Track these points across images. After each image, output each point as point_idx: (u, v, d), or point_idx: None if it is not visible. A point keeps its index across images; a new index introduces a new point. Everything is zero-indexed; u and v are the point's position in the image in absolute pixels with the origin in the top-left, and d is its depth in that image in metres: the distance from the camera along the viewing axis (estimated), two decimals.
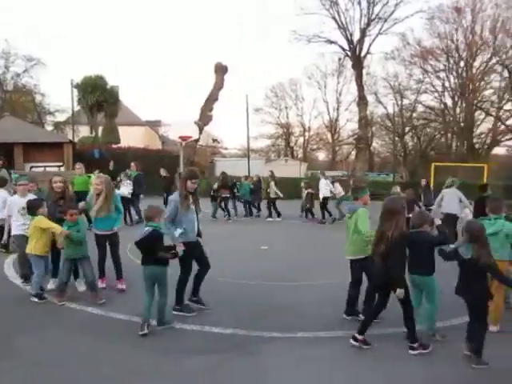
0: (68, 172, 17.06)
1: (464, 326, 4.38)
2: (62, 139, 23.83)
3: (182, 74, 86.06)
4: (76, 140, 26.82)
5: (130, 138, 29.56)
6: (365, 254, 4.98)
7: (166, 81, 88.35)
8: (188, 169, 5.97)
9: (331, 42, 36.15)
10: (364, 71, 36.52)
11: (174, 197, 5.20)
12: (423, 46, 36.75)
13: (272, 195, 15.19)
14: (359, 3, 33.02)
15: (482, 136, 38.14)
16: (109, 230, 6.14)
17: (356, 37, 34.80)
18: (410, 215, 5.06)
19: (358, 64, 34.93)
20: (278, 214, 15.11)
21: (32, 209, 5.80)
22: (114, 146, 27.69)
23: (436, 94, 38.63)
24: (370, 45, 35.17)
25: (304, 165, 37.01)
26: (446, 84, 37.43)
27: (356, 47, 34.96)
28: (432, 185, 16.07)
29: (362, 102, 34.74)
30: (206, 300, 5.51)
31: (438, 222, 4.70)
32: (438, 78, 37.67)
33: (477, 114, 36.87)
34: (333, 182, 14.93)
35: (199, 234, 5.41)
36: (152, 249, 4.71)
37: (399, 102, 39.80)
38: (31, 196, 6.37)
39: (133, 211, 12.67)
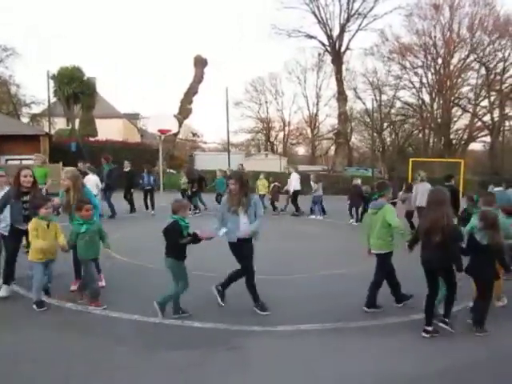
0: (46, 165, 16.64)
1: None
2: (38, 131, 23.31)
3: (161, 67, 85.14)
4: (52, 132, 26.27)
5: (107, 130, 29.10)
6: (389, 249, 5.32)
7: (144, 73, 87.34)
8: (234, 171, 5.87)
9: (311, 37, 36.38)
10: (343, 67, 36.90)
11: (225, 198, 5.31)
12: (401, 42, 37.24)
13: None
14: None
15: (459, 132, 39.03)
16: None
17: (336, 32, 35.11)
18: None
19: (337, 59, 35.19)
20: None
21: (33, 207, 5.29)
22: (92, 138, 27.22)
23: (414, 90, 39.33)
24: (350, 40, 35.55)
25: (284, 159, 37.07)
26: (424, 80, 38.11)
27: (335, 42, 35.19)
28: (410, 180, 16.30)
29: (341, 97, 35.04)
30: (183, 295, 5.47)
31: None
32: (416, 74, 38.29)
33: (454, 110, 37.67)
34: (317, 182, 14.90)
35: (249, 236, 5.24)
36: (170, 240, 4.84)
37: (378, 98, 40.27)
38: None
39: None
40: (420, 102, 39.01)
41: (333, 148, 43.40)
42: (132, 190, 13.87)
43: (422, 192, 9.78)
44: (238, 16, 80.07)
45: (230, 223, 5.16)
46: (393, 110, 41.69)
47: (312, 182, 14.73)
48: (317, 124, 50.39)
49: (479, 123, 37.25)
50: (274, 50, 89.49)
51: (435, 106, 37.70)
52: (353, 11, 34.48)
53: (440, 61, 36.46)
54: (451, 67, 36.23)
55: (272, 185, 15.57)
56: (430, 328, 4.59)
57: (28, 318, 4.94)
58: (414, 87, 38.89)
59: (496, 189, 8.30)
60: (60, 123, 30.29)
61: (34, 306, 5.09)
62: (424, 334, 4.56)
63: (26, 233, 5.42)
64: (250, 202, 5.16)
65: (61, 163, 13.40)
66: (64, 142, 23.82)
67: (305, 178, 15.95)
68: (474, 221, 5.20)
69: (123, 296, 5.53)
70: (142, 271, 6.90)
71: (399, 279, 5.55)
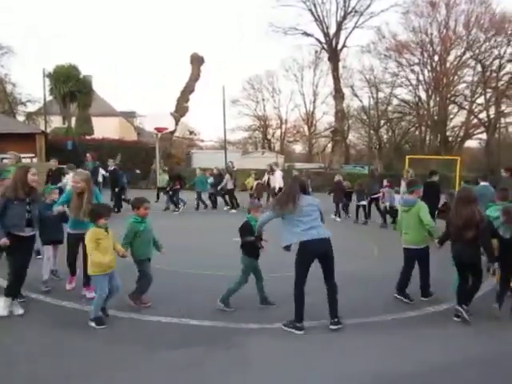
0: (42, 164, 16.63)
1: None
2: (34, 130, 23.22)
3: (158, 65, 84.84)
4: (48, 131, 26.15)
5: (104, 129, 28.99)
6: (423, 244, 5.56)
7: (141, 71, 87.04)
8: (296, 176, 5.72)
9: (308, 35, 36.31)
10: (340, 64, 36.84)
11: None
12: (398, 39, 37.21)
13: (229, 186, 15.14)
14: None
15: (455, 129, 39.04)
16: (86, 229, 5.12)
17: (332, 30, 35.06)
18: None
19: (334, 57, 35.17)
20: (235, 206, 15.17)
21: (94, 215, 4.81)
22: (88, 137, 27.12)
23: (410, 88, 39.26)
24: (346, 38, 35.50)
25: (281, 157, 37.05)
26: (421, 78, 38.06)
27: (332, 40, 35.17)
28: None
29: (338, 94, 35.03)
30: (178, 292, 5.48)
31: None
32: (413, 71, 38.24)
33: (450, 107, 37.66)
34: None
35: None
36: (242, 237, 5.18)
37: (375, 96, 40.26)
38: None
39: None
40: (417, 99, 39.01)
41: (330, 146, 43.40)
42: (116, 189, 13.80)
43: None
44: (234, 14, 79.97)
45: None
46: (389, 108, 41.67)
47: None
48: (314, 122, 50.35)
49: (475, 120, 37.29)
50: (271, 47, 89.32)
51: (432, 103, 37.70)
52: (349, 9, 34.47)
53: (436, 58, 36.45)
54: (447, 64, 36.23)
55: (255, 182, 15.68)
56: (461, 310, 4.87)
57: (26, 317, 4.93)
58: (411, 84, 38.90)
59: (482, 183, 8.56)
60: (56, 121, 30.13)
61: (93, 324, 4.62)
62: (455, 319, 4.89)
63: (28, 240, 5.04)
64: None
65: (54, 161, 13.26)
66: (60, 141, 23.71)
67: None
68: (494, 213, 5.56)
69: (121, 295, 5.49)
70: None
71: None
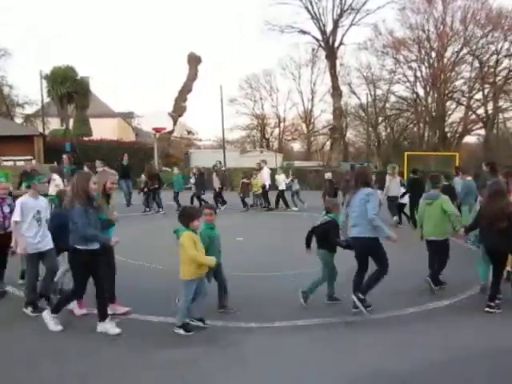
0: (41, 166, 16.60)
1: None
2: (31, 132, 23.22)
3: (155, 65, 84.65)
4: (46, 132, 26.13)
5: (102, 130, 28.98)
6: (444, 236, 5.84)
7: (138, 72, 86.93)
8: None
9: (304, 33, 36.28)
10: (337, 62, 36.80)
11: (374, 191, 5.33)
12: (395, 36, 37.18)
13: (216, 186, 15.13)
14: None
15: (454, 125, 39.02)
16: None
17: (329, 27, 35.01)
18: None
19: (331, 55, 35.15)
20: (223, 202, 15.20)
21: (187, 218, 4.58)
22: (86, 138, 27.10)
23: (408, 84, 39.25)
24: (343, 35, 35.45)
25: (279, 156, 37.03)
26: (418, 74, 38.03)
27: (329, 38, 35.13)
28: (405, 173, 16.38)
29: (335, 92, 35.02)
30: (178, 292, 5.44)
31: None
32: (410, 68, 38.22)
33: (448, 103, 37.67)
34: (292, 180, 15.38)
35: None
36: (326, 235, 5.34)
37: (372, 93, 40.22)
38: (42, 198, 5.22)
39: None
40: (414, 95, 39.01)
41: (328, 143, 43.39)
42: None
43: (395, 184, 11.54)
44: (231, 14, 79.77)
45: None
46: (387, 105, 41.62)
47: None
48: (312, 120, 50.25)
49: (473, 116, 37.31)
50: (268, 46, 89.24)
51: (429, 99, 37.70)
52: (346, 6, 34.42)
53: (434, 54, 36.42)
54: (445, 61, 36.21)
55: (241, 181, 15.76)
56: (493, 303, 5.06)
57: (24, 318, 4.93)
58: (408, 81, 38.88)
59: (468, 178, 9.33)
60: (54, 123, 30.11)
61: (181, 331, 4.45)
62: (488, 309, 5.03)
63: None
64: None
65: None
66: (58, 142, 23.70)
67: (302, 175, 16.15)
68: None
69: (120, 295, 5.48)
70: (139, 270, 6.91)
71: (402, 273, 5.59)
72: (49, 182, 9.72)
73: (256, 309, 5.23)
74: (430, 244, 5.99)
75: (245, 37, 76.88)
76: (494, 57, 34.60)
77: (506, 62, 34.27)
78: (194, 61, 29.56)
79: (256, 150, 42.01)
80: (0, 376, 3.72)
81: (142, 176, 14.54)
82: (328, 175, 14.58)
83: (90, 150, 22.73)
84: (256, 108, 51.82)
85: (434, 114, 36.68)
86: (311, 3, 34.58)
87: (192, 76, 29.54)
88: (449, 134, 38.54)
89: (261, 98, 51.19)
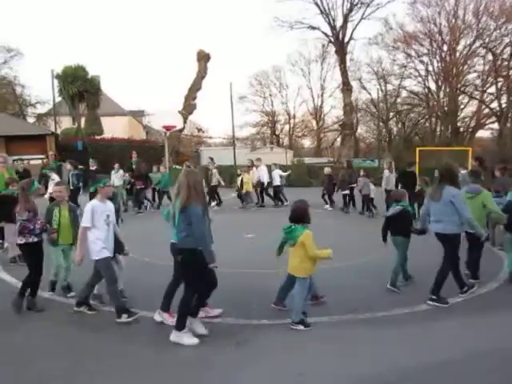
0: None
1: None
2: (44, 131, 23.45)
3: (165, 63, 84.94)
4: (58, 131, 26.36)
5: (113, 128, 29.17)
6: (483, 229, 5.81)
7: (148, 70, 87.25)
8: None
9: (314, 28, 35.97)
10: (347, 57, 36.47)
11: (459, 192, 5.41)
12: (406, 30, 36.73)
13: (214, 183, 15.02)
14: None
15: (466, 120, 38.47)
16: None
17: (339, 22, 34.69)
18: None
19: (341, 50, 34.84)
20: (219, 202, 15.13)
21: (302, 214, 4.71)
22: (97, 137, 27.29)
23: (419, 79, 38.74)
24: (353, 30, 35.10)
25: (290, 152, 36.92)
26: (430, 68, 37.52)
27: (339, 33, 34.83)
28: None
29: (346, 88, 34.73)
30: None
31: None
32: (422, 62, 37.72)
33: (460, 97, 37.09)
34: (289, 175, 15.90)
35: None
36: (402, 223, 5.75)
37: (383, 88, 39.84)
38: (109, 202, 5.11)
39: None
40: (426, 90, 38.53)
41: (339, 140, 43.14)
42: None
43: (392, 177, 12.25)
44: (240, 10, 79.63)
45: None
46: (399, 100, 41.18)
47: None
48: (322, 116, 50.07)
49: (487, 110, 36.74)
50: (277, 42, 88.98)
51: (441, 93, 37.22)
52: (356, 0, 34.11)
53: (445, 48, 35.89)
54: (457, 54, 35.68)
55: (240, 177, 15.74)
56: None
57: (37, 314, 4.98)
58: (420, 75, 38.38)
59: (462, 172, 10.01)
60: (66, 122, 30.37)
61: (301, 327, 4.51)
62: None
63: None
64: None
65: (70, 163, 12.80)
66: (70, 141, 23.91)
67: (313, 171, 16.15)
68: None
69: (132, 292, 5.50)
70: (149, 267, 6.92)
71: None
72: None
73: (267, 306, 5.19)
74: (469, 236, 5.98)
75: (253, 34, 76.68)
76: (508, 49, 33.94)
77: None
78: (203, 58, 29.51)
79: (266, 146, 41.96)
80: (19, 371, 3.75)
81: (126, 175, 13.84)
82: (327, 170, 14.91)
83: (101, 149, 22.89)
84: (266, 105, 51.82)
85: (446, 108, 36.19)
86: None
87: (201, 73, 29.50)
88: (461, 129, 38.02)
89: (270, 95, 51.18)
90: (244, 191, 15.06)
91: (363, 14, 34.52)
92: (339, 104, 40.90)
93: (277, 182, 15.30)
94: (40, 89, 70.65)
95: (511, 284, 5.90)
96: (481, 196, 5.96)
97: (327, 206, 14.21)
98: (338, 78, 37.25)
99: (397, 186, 11.71)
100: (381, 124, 39.41)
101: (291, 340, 4.34)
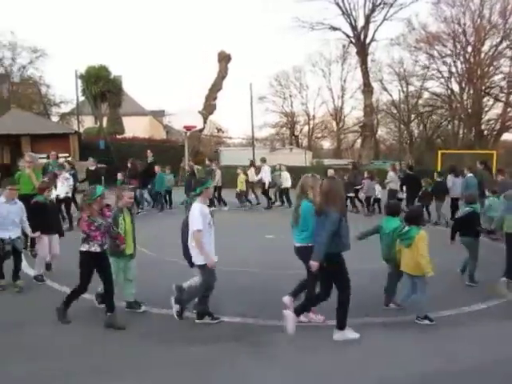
0: (78, 163, 17.04)
1: None
2: (67, 130, 23.86)
3: (186, 64, 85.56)
4: (81, 131, 26.83)
5: (134, 128, 29.54)
6: None
7: (169, 70, 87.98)
8: None
9: (335, 29, 35.76)
10: (369, 58, 36.14)
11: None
12: (429, 31, 36.16)
13: (218, 184, 14.88)
14: None
15: (491, 122, 37.61)
16: None
17: (360, 23, 34.42)
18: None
19: (362, 51, 34.55)
20: (221, 203, 15.03)
21: (417, 219, 5.01)
22: (119, 136, 27.68)
23: (442, 80, 38.07)
24: (375, 31, 34.78)
25: (309, 153, 36.76)
26: (453, 69, 36.84)
27: (360, 34, 34.54)
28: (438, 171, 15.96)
29: (367, 89, 34.42)
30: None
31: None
32: (445, 63, 37.07)
33: (485, 99, 36.31)
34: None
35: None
36: (471, 224, 6.09)
37: (405, 89, 39.33)
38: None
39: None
40: (449, 92, 37.82)
41: (359, 141, 42.77)
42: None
43: (396, 179, 12.81)
44: (260, 11, 79.68)
45: None
46: (420, 101, 40.60)
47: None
48: (342, 117, 49.68)
49: None
50: (297, 43, 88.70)
51: (465, 95, 36.51)
52: (378, 1, 33.79)
53: (470, 49, 35.18)
54: (482, 55, 34.94)
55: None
56: None
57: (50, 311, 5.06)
58: (443, 77, 37.70)
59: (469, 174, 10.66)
60: (88, 121, 30.89)
61: (426, 321, 4.78)
62: None
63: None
64: None
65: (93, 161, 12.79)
66: (93, 140, 24.32)
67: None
68: None
69: (148, 290, 5.50)
70: (163, 264, 6.97)
71: None
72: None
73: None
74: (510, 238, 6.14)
75: (274, 34, 76.59)
76: None
77: None
78: (224, 59, 29.62)
79: (286, 147, 41.89)
80: (30, 370, 3.83)
81: (119, 175, 13.23)
82: (330, 172, 14.70)
83: (122, 148, 23.22)
84: (285, 105, 51.70)
85: (469, 110, 35.50)
86: None
87: (222, 74, 29.61)
88: (485, 132, 37.22)
89: (290, 96, 51.04)
90: (238, 190, 15.00)
91: (386, 14, 34.21)
92: (360, 105, 40.59)
93: (286, 183, 15.18)
94: (64, 89, 71.93)
95: None
96: None
97: None
98: (359, 78, 37.04)
99: (401, 189, 12.50)
100: (402, 126, 38.89)
101: (310, 342, 4.32)
